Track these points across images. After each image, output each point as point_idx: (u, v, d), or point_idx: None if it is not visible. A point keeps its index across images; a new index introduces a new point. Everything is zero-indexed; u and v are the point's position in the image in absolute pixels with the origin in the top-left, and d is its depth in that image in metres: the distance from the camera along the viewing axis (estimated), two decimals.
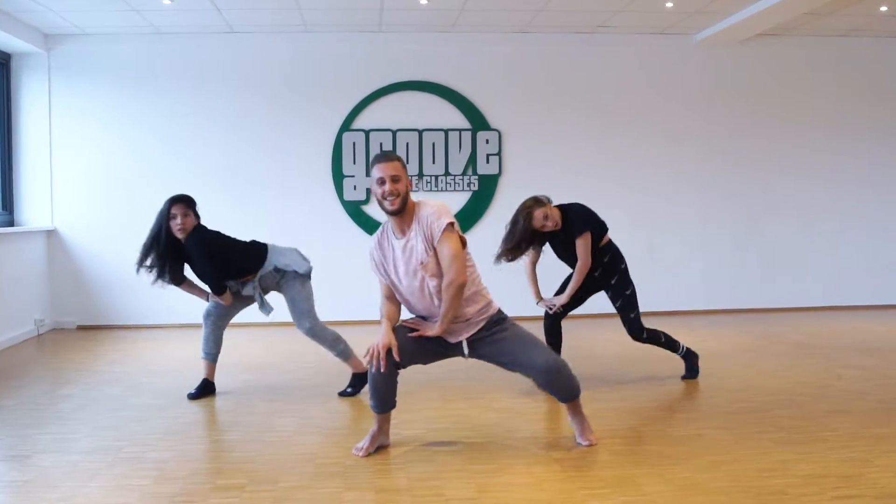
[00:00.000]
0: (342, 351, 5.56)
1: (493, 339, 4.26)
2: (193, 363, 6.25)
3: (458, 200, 8.95)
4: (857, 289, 9.53)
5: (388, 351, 4.08)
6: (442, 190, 8.94)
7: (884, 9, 8.08)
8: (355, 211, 8.92)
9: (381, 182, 4.08)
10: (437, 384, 5.78)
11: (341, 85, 8.83)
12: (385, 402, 4.31)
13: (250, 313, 6.02)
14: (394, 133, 8.87)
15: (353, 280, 8.13)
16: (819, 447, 4.25)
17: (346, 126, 8.88)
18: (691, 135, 9.24)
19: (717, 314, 9.13)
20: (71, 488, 3.78)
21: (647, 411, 5.21)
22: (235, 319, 5.85)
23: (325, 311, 8.44)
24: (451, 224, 4.08)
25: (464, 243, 4.13)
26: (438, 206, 4.14)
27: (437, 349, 4.31)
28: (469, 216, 8.89)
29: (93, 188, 8.69)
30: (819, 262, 9.48)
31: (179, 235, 5.41)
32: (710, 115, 9.27)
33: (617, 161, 9.11)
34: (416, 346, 4.22)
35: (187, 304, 8.61)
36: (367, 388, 4.56)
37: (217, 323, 5.65)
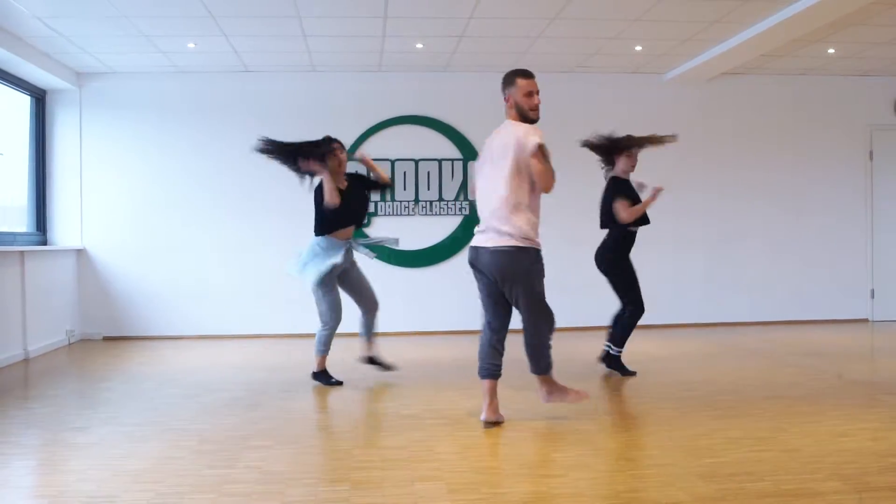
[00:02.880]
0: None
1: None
2: (216, 365, 7.11)
3: (450, 224, 9.83)
4: (817, 304, 10.40)
5: None
6: (436, 214, 9.81)
7: (831, 51, 9.04)
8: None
9: (530, 95, 5.02)
10: (430, 378, 6.66)
11: (345, 118, 9.70)
12: (484, 366, 5.09)
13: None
14: (392, 162, 9.76)
15: None
16: (745, 420, 5.12)
17: (349, 156, 9.75)
18: (664, 164, 10.10)
19: (686, 328, 9.98)
20: (129, 448, 4.63)
21: (608, 396, 6.06)
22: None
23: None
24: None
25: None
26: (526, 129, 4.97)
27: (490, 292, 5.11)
28: (461, 237, 9.75)
29: (118, 211, 9.56)
30: (784, 279, 10.35)
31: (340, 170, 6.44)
32: (680, 147, 10.13)
33: (596, 189, 9.94)
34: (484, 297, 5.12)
35: (206, 316, 9.54)
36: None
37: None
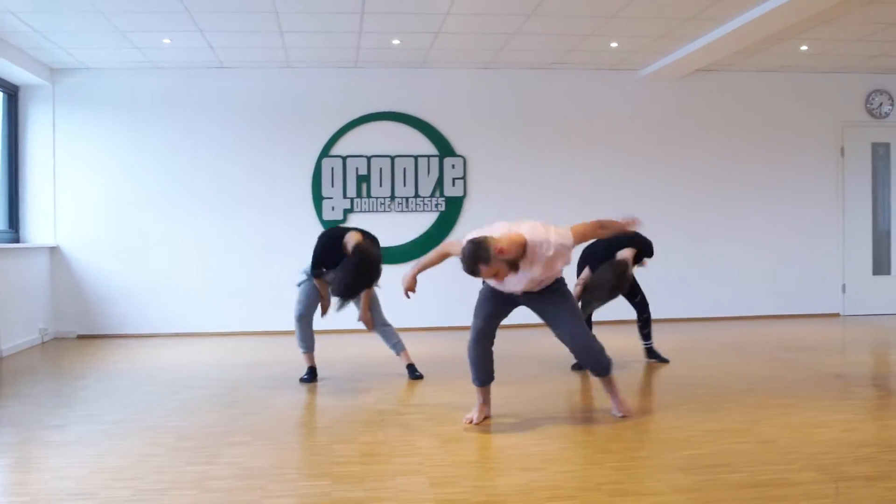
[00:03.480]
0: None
1: (546, 298, 4.89)
2: (193, 362, 7.09)
3: (426, 220, 9.84)
4: (790, 300, 10.51)
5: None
6: (412, 210, 9.81)
7: (804, 48, 9.13)
8: None
9: (489, 279, 4.72)
10: (409, 378, 6.67)
11: (321, 115, 9.70)
12: (486, 374, 5.02)
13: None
14: (368, 159, 9.75)
15: None
16: (723, 413, 5.17)
17: (325, 152, 9.75)
18: (639, 159, 10.20)
19: (662, 323, 10.00)
20: (108, 446, 4.60)
21: (586, 391, 6.09)
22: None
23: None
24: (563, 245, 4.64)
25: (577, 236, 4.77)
26: (544, 240, 4.60)
27: (508, 301, 4.94)
28: (437, 233, 9.75)
29: (92, 209, 9.49)
30: (758, 274, 10.44)
31: None
32: (656, 142, 10.25)
33: (571, 183, 10.03)
34: (496, 305, 4.94)
35: (181, 314, 9.50)
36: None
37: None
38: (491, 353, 5.03)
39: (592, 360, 4.99)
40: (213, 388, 6.27)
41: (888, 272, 10.73)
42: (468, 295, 8.21)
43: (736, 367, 6.90)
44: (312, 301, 6.46)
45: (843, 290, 10.62)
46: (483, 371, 5.02)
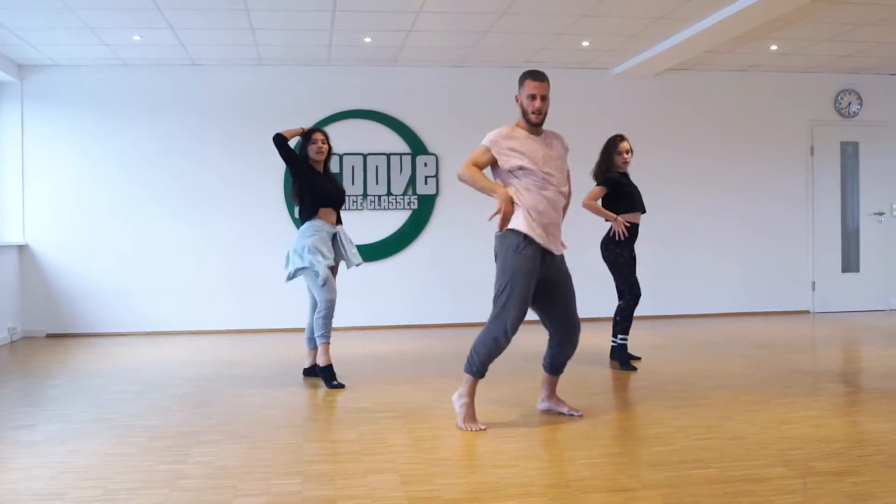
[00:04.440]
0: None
1: (563, 271, 4.90)
2: (163, 361, 7.04)
3: (399, 218, 9.83)
4: (760, 297, 10.61)
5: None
6: (385, 208, 9.80)
7: (774, 47, 9.21)
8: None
9: (533, 98, 4.77)
10: (380, 372, 6.68)
11: (292, 113, 9.61)
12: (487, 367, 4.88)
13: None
14: (340, 157, 9.72)
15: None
16: (693, 409, 5.21)
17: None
18: None
19: (636, 320, 10.07)
20: (78, 444, 4.57)
21: (560, 388, 6.11)
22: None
23: (282, 318, 9.34)
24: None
25: None
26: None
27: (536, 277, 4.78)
28: (409, 231, 9.75)
29: (62, 206, 9.41)
30: (728, 272, 10.53)
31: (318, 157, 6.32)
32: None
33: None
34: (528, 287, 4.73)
35: (151, 312, 9.44)
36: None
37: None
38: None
39: (572, 347, 4.99)
40: (183, 387, 6.24)
41: (857, 270, 10.86)
42: (436, 293, 8.29)
43: (706, 365, 6.95)
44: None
45: (813, 288, 10.73)
46: (487, 364, 4.87)
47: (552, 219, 4.82)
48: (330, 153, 6.45)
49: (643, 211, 6.99)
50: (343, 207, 6.51)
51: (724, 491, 3.63)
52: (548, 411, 5.16)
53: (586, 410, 5.19)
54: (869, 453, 4.20)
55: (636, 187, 6.96)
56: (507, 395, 5.77)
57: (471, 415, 4.85)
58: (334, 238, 6.29)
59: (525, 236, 4.71)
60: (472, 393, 4.88)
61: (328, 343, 6.21)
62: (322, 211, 6.23)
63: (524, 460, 4.18)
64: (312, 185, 6.21)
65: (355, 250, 6.42)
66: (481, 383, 4.98)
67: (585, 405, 5.36)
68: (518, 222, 4.72)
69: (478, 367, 4.83)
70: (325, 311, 6.16)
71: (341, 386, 6.12)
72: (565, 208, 5.02)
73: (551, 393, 5.17)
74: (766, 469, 3.92)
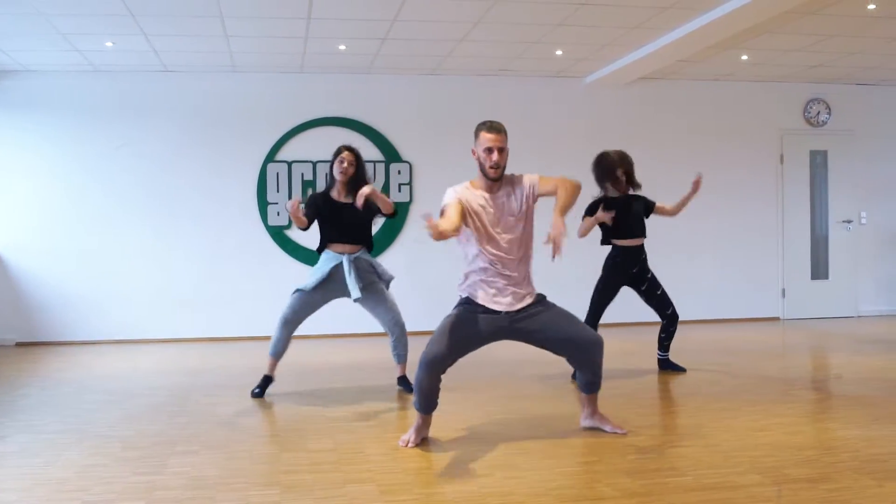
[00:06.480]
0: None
1: (538, 314, 4.63)
2: (136, 370, 7.01)
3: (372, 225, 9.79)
4: (730, 304, 10.70)
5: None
6: None
7: (745, 57, 9.31)
8: (278, 235, 9.72)
9: (490, 151, 4.51)
10: (355, 380, 6.67)
11: (266, 120, 9.64)
12: (430, 404, 4.68)
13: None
14: (314, 164, 9.71)
15: (277, 297, 8.88)
16: (667, 417, 5.27)
17: (271, 158, 9.69)
18: (584, 165, 10.22)
19: (604, 328, 10.12)
20: (52, 455, 4.53)
21: (535, 397, 6.14)
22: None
23: (255, 327, 9.28)
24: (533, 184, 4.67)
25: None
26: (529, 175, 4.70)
27: (485, 336, 4.64)
28: (383, 240, 9.74)
29: (31, 213, 9.30)
30: (699, 279, 10.60)
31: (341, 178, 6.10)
32: (600, 148, 10.24)
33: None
34: (467, 336, 4.61)
35: (123, 321, 9.36)
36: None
37: (292, 328, 6.13)
38: (440, 382, 4.67)
39: (592, 365, 4.76)
40: (157, 396, 6.20)
41: (826, 277, 10.98)
42: (411, 301, 8.25)
43: (679, 373, 7.00)
44: (304, 310, 6.07)
45: (783, 295, 10.84)
46: (428, 401, 4.67)
47: (502, 276, 4.63)
48: (359, 173, 6.14)
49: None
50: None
51: (700, 499, 3.66)
52: (591, 429, 4.97)
53: (560, 419, 5.21)
54: (841, 460, 4.25)
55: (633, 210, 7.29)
56: (482, 403, 5.78)
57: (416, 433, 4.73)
58: (338, 267, 6.01)
59: (468, 299, 4.66)
60: (418, 419, 4.74)
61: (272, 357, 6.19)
62: (330, 245, 6.09)
63: (502, 469, 4.19)
64: (320, 222, 6.09)
65: (355, 283, 5.97)
66: (461, 390, 4.98)
67: (560, 413, 5.39)
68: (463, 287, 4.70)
69: (416, 401, 4.73)
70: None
71: (260, 395, 6.10)
72: (568, 201, 4.76)
73: (594, 410, 4.98)
74: (740, 476, 3.96)
